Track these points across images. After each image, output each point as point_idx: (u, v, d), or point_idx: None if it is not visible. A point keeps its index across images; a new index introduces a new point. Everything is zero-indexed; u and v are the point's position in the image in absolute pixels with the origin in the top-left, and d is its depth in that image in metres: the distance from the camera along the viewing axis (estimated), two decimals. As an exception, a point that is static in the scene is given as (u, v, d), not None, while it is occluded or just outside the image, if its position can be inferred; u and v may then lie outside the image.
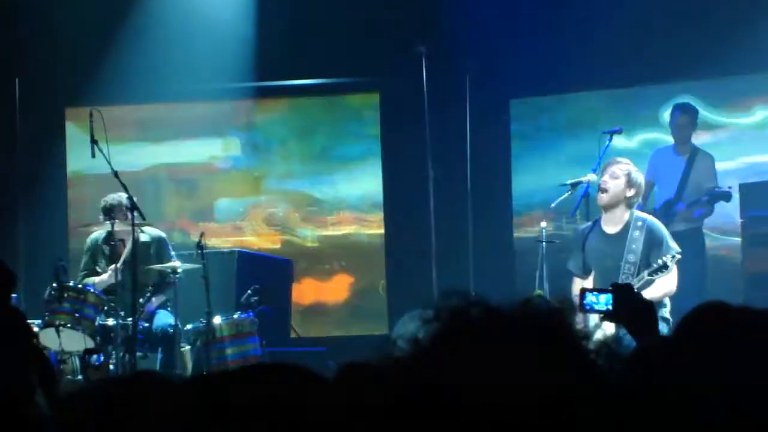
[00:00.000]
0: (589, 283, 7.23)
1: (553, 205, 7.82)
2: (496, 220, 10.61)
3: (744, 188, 9.51)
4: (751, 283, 9.20)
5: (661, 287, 6.99)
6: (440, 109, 9.75)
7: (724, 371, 1.49)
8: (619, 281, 6.92)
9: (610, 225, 7.22)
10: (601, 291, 3.38)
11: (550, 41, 9.98)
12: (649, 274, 6.93)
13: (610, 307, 3.32)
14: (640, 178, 7.28)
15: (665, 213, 9.05)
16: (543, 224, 7.76)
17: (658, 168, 9.53)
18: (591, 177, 7.38)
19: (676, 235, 7.43)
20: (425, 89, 9.52)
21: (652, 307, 3.22)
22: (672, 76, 10.15)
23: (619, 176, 7.17)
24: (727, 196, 9.32)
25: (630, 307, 3.18)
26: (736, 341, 1.53)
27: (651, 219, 7.28)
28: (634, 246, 7.05)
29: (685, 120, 9.55)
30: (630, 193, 7.17)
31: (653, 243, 7.06)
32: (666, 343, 1.67)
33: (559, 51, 9.90)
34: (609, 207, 7.20)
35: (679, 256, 6.99)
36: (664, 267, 6.89)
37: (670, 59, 9.93)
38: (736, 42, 9.38)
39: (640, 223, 7.12)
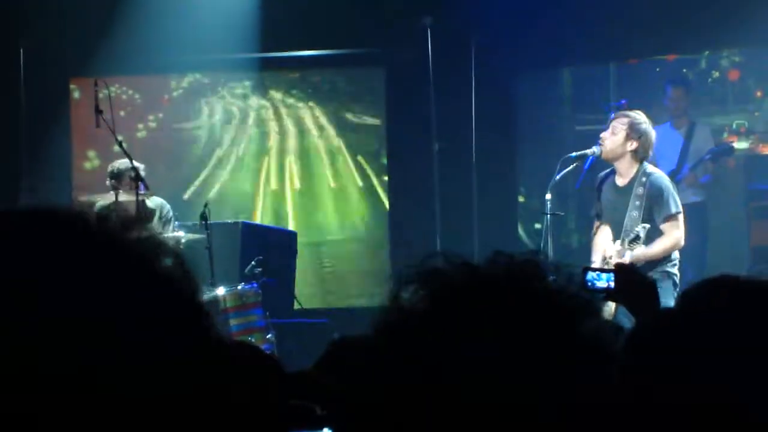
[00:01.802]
0: (608, 229, 7.21)
1: (557, 177, 7.79)
2: (501, 192, 10.59)
3: (750, 160, 9.50)
4: (756, 255, 9.21)
5: (659, 246, 6.94)
6: (445, 81, 9.72)
7: (733, 343, 1.49)
8: (621, 237, 6.91)
9: (620, 177, 7.18)
10: (603, 270, 3.39)
11: (556, 13, 9.91)
12: (629, 244, 6.91)
13: (612, 285, 3.31)
14: (645, 130, 7.12)
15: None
16: (548, 196, 7.73)
17: (657, 146, 9.45)
18: (596, 149, 7.32)
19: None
20: (430, 61, 9.48)
21: (655, 286, 3.21)
22: (683, 47, 10.10)
23: (617, 132, 7.11)
24: (728, 151, 9.28)
25: (631, 286, 3.18)
26: (747, 312, 1.53)
27: (657, 174, 7.15)
28: (637, 202, 7.01)
29: (678, 93, 9.51)
30: (632, 146, 7.07)
31: (653, 199, 7.00)
32: (669, 316, 1.66)
33: (566, 23, 9.83)
34: (609, 160, 7.18)
35: (648, 226, 6.92)
36: (636, 239, 6.87)
37: (683, 31, 9.85)
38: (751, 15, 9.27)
39: (644, 179, 7.03)
